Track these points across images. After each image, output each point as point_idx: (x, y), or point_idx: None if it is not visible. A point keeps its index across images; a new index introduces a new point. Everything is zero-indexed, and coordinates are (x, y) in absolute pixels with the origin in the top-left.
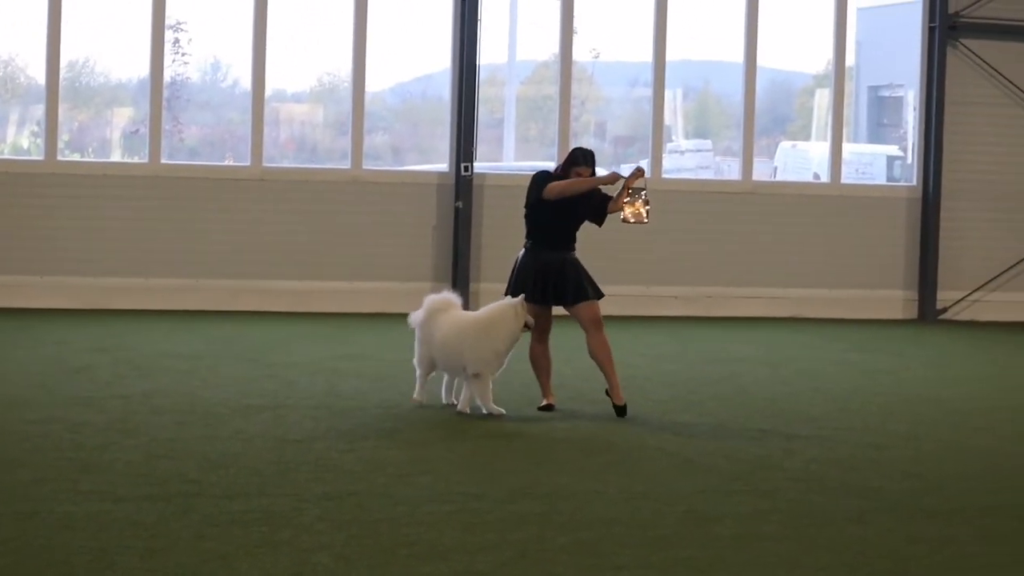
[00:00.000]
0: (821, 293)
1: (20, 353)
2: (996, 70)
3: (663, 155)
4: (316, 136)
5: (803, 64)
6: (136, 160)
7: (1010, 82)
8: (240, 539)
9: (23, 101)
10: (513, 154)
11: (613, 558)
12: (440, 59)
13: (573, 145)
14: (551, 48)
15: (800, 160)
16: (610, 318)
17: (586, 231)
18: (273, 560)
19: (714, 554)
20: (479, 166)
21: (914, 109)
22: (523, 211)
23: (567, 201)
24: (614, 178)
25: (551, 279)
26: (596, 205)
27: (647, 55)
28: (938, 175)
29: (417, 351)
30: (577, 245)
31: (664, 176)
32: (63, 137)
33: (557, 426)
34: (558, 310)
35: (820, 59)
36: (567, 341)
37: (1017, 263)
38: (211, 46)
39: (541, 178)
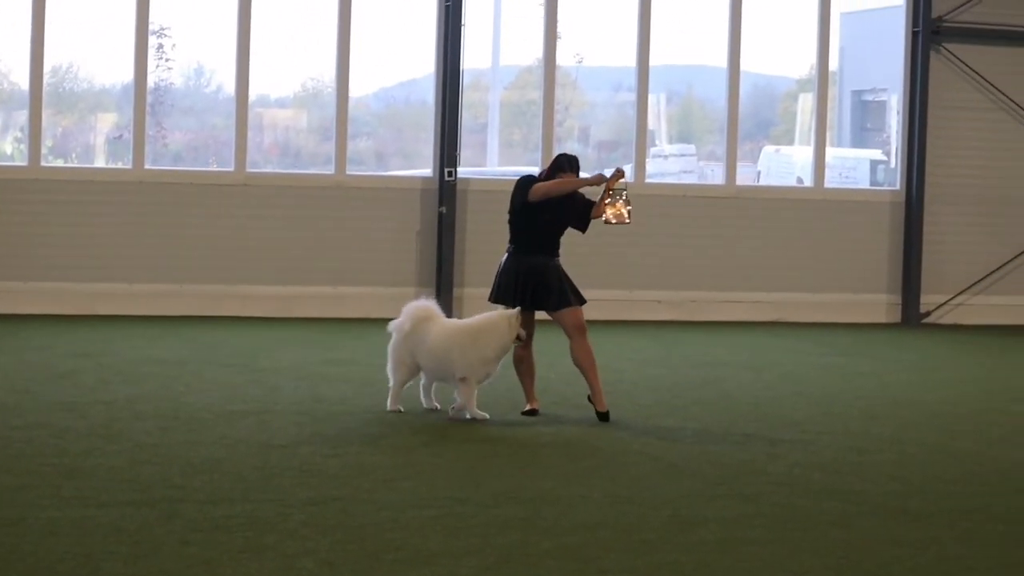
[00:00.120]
0: (804, 297)
1: (4, 359)
2: (979, 74)
3: (647, 160)
4: (300, 141)
5: (786, 68)
6: (120, 166)
7: (993, 86)
8: (224, 545)
9: (6, 107)
10: (497, 159)
11: (597, 562)
12: (424, 64)
13: (557, 150)
14: (535, 53)
15: (784, 164)
16: (594, 323)
17: (570, 237)
18: (258, 565)
19: (698, 558)
20: (463, 171)
21: (897, 113)
22: (507, 216)
23: (552, 206)
24: (599, 179)
25: (533, 284)
26: (580, 211)
27: (631, 60)
28: (921, 179)
29: (393, 359)
30: (561, 251)
31: (648, 181)
32: (47, 143)
33: (541, 431)
34: (542, 315)
35: (803, 63)
36: (551, 346)
37: (1000, 267)
38: (195, 51)
39: (526, 182)
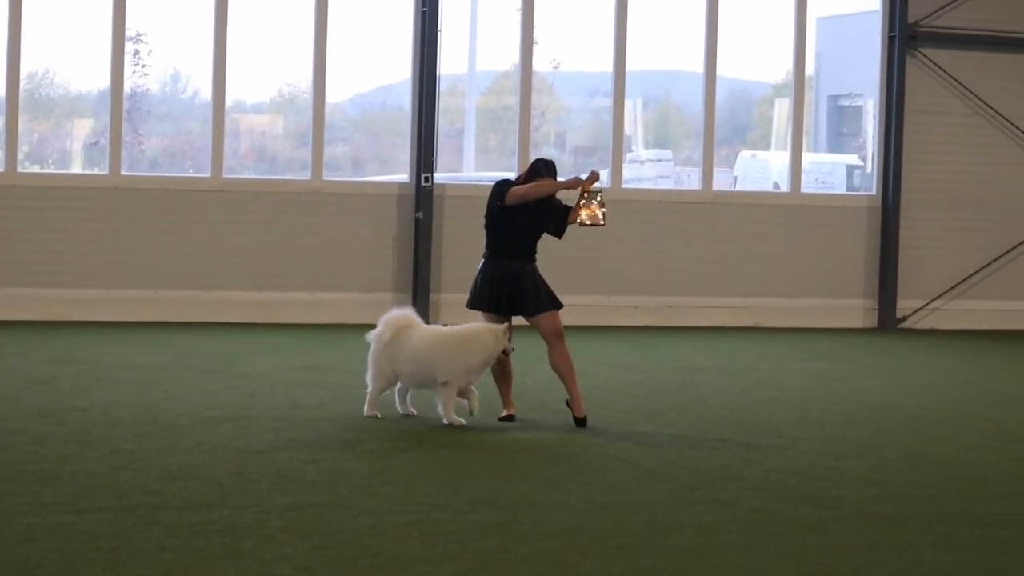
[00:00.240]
0: (781, 302)
1: None
2: (955, 79)
3: (623, 165)
4: (276, 147)
5: (763, 74)
6: (96, 171)
7: (969, 91)
8: (202, 550)
9: None
10: (473, 164)
11: (574, 568)
12: (400, 70)
13: (534, 155)
14: (511, 58)
15: (760, 170)
16: (569, 328)
17: (546, 242)
18: (235, 571)
19: (675, 564)
20: (439, 177)
21: (874, 118)
22: (484, 221)
23: (528, 210)
24: (576, 183)
25: (509, 289)
26: (557, 216)
27: (607, 65)
28: (897, 184)
29: (373, 368)
30: (537, 256)
31: (624, 186)
32: (23, 148)
33: (518, 436)
34: (519, 320)
35: (780, 69)
36: (528, 352)
37: (976, 271)
38: (171, 57)
39: (502, 186)
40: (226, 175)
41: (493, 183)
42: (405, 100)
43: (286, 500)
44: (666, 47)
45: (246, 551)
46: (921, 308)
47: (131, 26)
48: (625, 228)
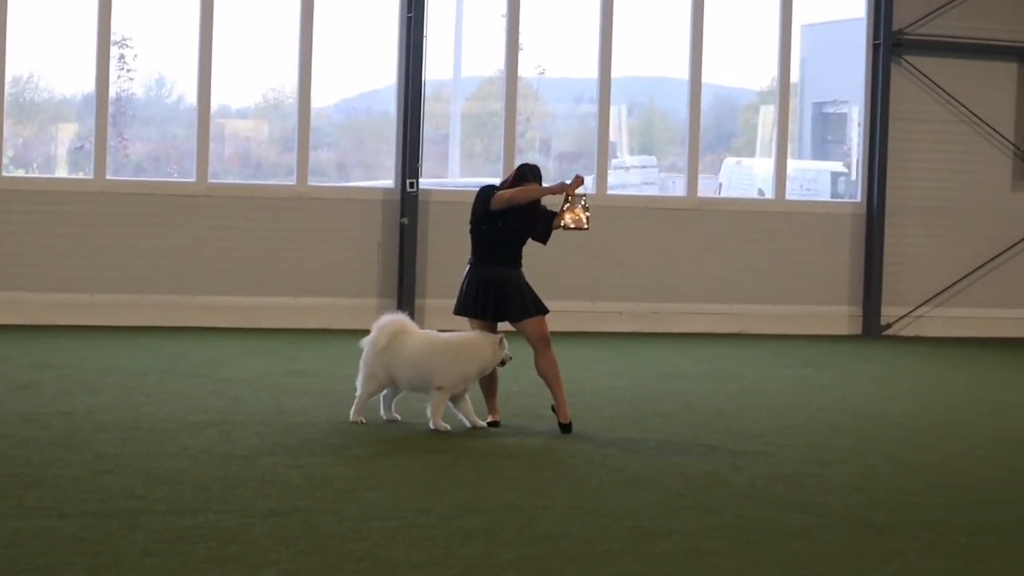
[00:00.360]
0: (766, 309)
1: None
2: (940, 87)
3: (608, 171)
4: (261, 152)
5: (748, 80)
6: (81, 176)
7: (954, 99)
8: (187, 555)
9: None
10: (458, 170)
11: (560, 574)
12: (385, 75)
13: (518, 161)
14: (496, 64)
15: (745, 176)
16: (555, 334)
17: (531, 248)
18: None
19: (662, 570)
20: (424, 182)
21: (858, 125)
22: (469, 227)
23: (514, 215)
24: (561, 188)
25: (494, 295)
26: (542, 221)
27: (592, 71)
28: (882, 191)
29: (365, 372)
30: (523, 262)
31: (609, 192)
32: (8, 153)
33: (503, 442)
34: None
35: (765, 75)
36: (514, 357)
37: (960, 279)
38: (156, 62)
39: (487, 191)
40: (211, 180)
41: (478, 188)
42: (390, 105)
43: (270, 505)
44: (651, 53)
45: (230, 556)
46: (905, 315)
47: (116, 30)
48: (610, 234)
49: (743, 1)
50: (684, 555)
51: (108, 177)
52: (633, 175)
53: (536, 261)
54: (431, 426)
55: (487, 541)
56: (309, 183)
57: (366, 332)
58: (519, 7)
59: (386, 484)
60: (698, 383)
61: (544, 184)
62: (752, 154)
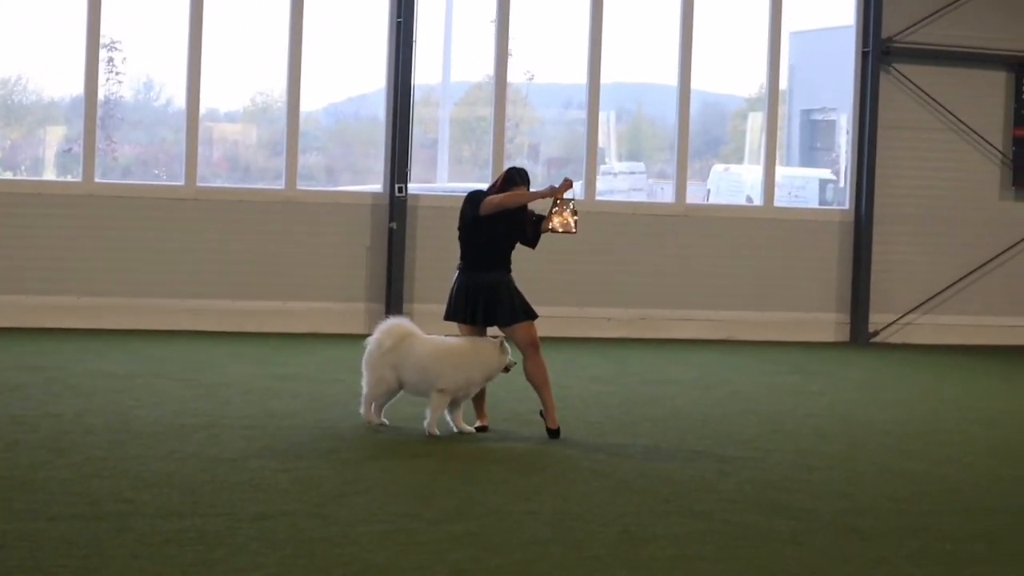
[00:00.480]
0: (754, 316)
1: None
2: (928, 95)
3: (596, 177)
4: (249, 156)
5: (736, 87)
6: (69, 179)
7: (942, 107)
8: (175, 559)
9: None
10: (447, 175)
11: None
12: (374, 79)
13: (507, 166)
14: (485, 69)
15: (733, 183)
16: (543, 339)
17: (520, 253)
18: None
19: (649, 575)
20: (413, 187)
21: (847, 133)
22: (457, 232)
23: (502, 220)
24: (550, 192)
25: (484, 300)
26: (530, 226)
27: (581, 77)
28: (870, 199)
29: (372, 375)
30: (512, 267)
31: (597, 198)
32: None
33: (492, 447)
34: (494, 331)
35: (753, 82)
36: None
37: (948, 287)
38: (145, 65)
39: (476, 196)
40: (199, 183)
41: (466, 193)
42: (379, 110)
43: (258, 509)
44: (640, 60)
45: (218, 559)
46: (893, 322)
47: (105, 33)
48: (598, 240)
49: (732, 8)
50: (671, 560)
51: (96, 180)
52: (621, 181)
53: (525, 266)
54: (425, 427)
55: (475, 546)
56: (298, 187)
57: (355, 336)
58: (508, 12)
59: (374, 489)
60: (686, 389)
61: (532, 189)
62: (740, 161)
